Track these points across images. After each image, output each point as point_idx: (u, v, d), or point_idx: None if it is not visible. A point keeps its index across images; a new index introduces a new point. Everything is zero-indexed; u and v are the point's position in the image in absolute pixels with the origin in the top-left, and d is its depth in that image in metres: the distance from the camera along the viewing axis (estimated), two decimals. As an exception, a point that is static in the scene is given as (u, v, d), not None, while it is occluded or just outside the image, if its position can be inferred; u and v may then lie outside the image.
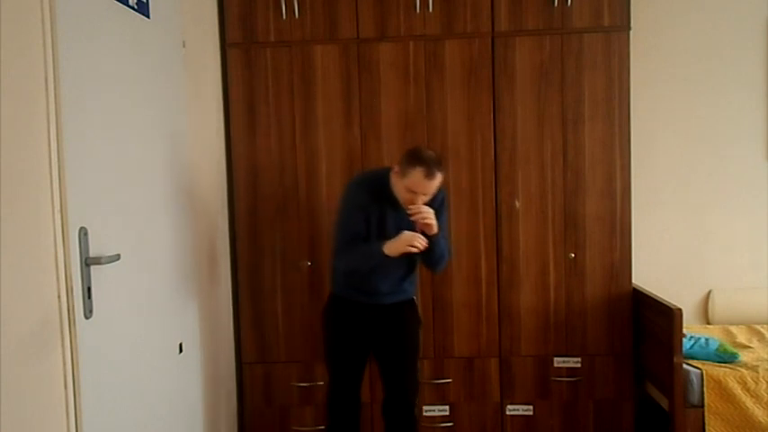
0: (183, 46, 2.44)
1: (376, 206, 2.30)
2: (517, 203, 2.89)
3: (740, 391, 2.59)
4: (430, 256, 2.31)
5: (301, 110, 2.89)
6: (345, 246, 2.32)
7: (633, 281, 2.92)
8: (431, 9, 2.84)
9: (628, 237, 2.89)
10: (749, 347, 2.92)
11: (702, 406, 2.61)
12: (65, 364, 1.60)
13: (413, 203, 2.20)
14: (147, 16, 2.12)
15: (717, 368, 2.65)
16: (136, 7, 2.03)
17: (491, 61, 2.86)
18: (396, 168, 2.26)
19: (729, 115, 3.31)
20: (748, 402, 2.59)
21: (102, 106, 1.82)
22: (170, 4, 2.32)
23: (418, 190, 2.18)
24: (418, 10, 2.84)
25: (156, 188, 2.20)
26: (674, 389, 2.60)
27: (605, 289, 2.91)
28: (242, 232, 2.93)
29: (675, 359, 2.57)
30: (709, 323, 3.35)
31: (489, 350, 2.93)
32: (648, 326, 2.84)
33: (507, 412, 2.95)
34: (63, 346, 1.60)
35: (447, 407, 2.95)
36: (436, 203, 2.27)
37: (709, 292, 3.36)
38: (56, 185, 1.58)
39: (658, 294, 2.82)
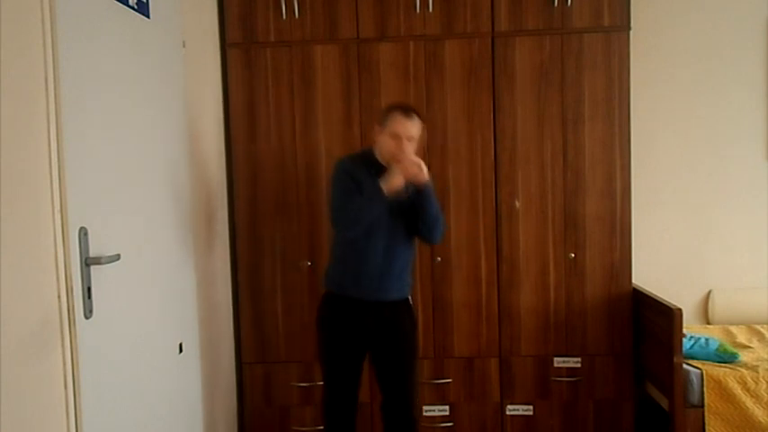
0: (183, 46, 2.44)
1: (365, 174, 2.26)
2: (517, 203, 2.89)
3: (740, 391, 2.59)
4: (426, 214, 2.27)
5: (301, 110, 2.89)
6: (341, 206, 2.25)
7: (633, 281, 2.92)
8: (431, 9, 2.84)
9: (628, 237, 2.89)
10: (749, 347, 2.92)
11: (702, 406, 2.62)
12: (65, 364, 1.60)
13: (400, 150, 2.20)
14: (147, 16, 2.11)
15: (717, 368, 2.65)
16: (136, 7, 2.02)
17: (491, 61, 2.86)
18: (377, 128, 2.30)
19: (729, 115, 3.31)
20: (748, 402, 2.59)
21: (102, 106, 1.82)
22: (170, 4, 2.32)
23: (400, 131, 2.21)
24: (418, 10, 2.84)
25: (156, 188, 2.20)
26: (674, 389, 2.60)
27: (605, 289, 2.91)
28: (242, 232, 2.94)
29: (675, 359, 2.57)
30: (709, 323, 3.35)
31: (489, 350, 2.94)
32: (648, 326, 2.84)
33: (507, 412, 2.95)
34: (63, 346, 1.60)
35: (447, 407, 2.95)
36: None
37: (709, 292, 3.36)
38: (56, 185, 1.58)
39: (658, 294, 2.82)
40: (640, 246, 3.06)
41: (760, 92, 3.31)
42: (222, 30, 2.91)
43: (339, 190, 2.28)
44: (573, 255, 2.89)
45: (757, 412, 2.58)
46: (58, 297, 1.58)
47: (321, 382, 2.83)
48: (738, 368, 2.65)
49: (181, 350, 2.33)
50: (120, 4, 1.93)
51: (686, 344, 2.71)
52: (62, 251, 1.59)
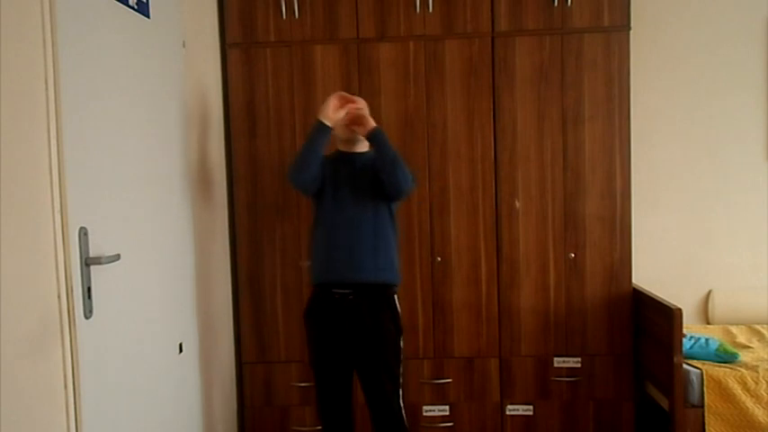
0: (183, 46, 2.44)
1: (330, 163, 2.35)
2: (517, 203, 2.89)
3: (740, 391, 2.59)
4: (381, 159, 2.26)
5: (301, 110, 2.89)
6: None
7: (633, 281, 2.92)
8: (431, 9, 2.84)
9: (628, 237, 2.89)
10: (749, 347, 2.92)
11: (702, 406, 2.61)
12: (65, 364, 1.60)
13: (348, 113, 2.28)
14: (147, 16, 2.11)
15: (717, 368, 2.65)
16: (136, 7, 2.02)
17: (491, 61, 2.86)
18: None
19: (729, 115, 3.31)
20: (748, 402, 2.59)
21: (103, 106, 1.82)
22: (170, 4, 2.32)
23: (342, 99, 2.30)
24: (418, 10, 2.84)
25: (156, 188, 2.20)
26: (674, 389, 2.60)
27: (605, 289, 2.91)
28: (242, 232, 2.94)
29: (675, 359, 2.57)
30: (709, 323, 3.35)
31: (489, 350, 2.93)
32: (648, 326, 2.84)
33: (507, 412, 2.95)
34: (63, 346, 1.60)
35: (447, 407, 2.95)
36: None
37: (709, 292, 3.36)
38: (56, 185, 1.58)
39: (658, 294, 2.82)
40: (640, 246, 3.06)
41: (760, 92, 3.31)
42: (222, 30, 2.92)
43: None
44: (573, 255, 2.89)
45: (757, 412, 2.58)
46: (58, 297, 1.58)
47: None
48: (738, 368, 2.65)
49: (181, 350, 2.33)
50: (120, 4, 1.93)
51: (686, 344, 2.71)
52: (62, 251, 1.59)
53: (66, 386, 1.60)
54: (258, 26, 2.87)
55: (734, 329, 3.16)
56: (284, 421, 2.97)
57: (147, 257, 2.08)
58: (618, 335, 2.92)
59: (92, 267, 1.69)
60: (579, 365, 2.92)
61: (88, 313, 1.67)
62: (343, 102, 2.30)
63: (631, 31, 2.85)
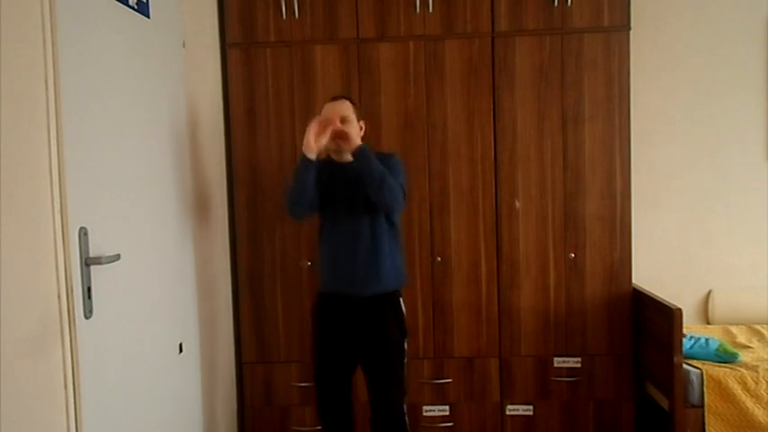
0: (183, 46, 2.44)
1: (323, 171, 2.33)
2: (517, 203, 2.89)
3: (740, 391, 2.59)
4: (368, 177, 2.20)
5: (301, 110, 2.89)
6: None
7: (633, 281, 2.92)
8: (431, 9, 2.84)
9: (628, 237, 2.89)
10: (749, 347, 2.92)
11: (702, 406, 2.61)
12: (65, 364, 1.60)
13: (337, 129, 2.24)
14: (147, 16, 2.11)
15: (717, 368, 2.65)
16: (136, 7, 2.03)
17: (491, 61, 2.86)
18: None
19: (729, 115, 3.31)
20: (748, 402, 2.58)
21: (103, 106, 1.82)
22: (170, 4, 2.32)
23: (328, 113, 2.28)
24: (418, 10, 2.84)
25: (156, 188, 2.20)
26: (674, 389, 2.60)
27: (605, 289, 2.91)
28: (242, 232, 2.94)
29: (675, 359, 2.57)
30: (709, 323, 3.35)
31: (489, 350, 2.93)
32: (648, 326, 2.84)
33: (507, 412, 2.95)
34: (63, 346, 1.60)
35: (447, 407, 2.95)
36: (386, 163, 2.26)
37: (709, 292, 3.36)
38: (56, 185, 1.58)
39: (658, 294, 2.82)
40: (640, 246, 3.06)
41: (760, 92, 3.31)
42: (222, 30, 2.91)
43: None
44: (573, 255, 2.89)
45: (757, 412, 2.58)
46: (58, 297, 1.58)
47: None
48: (738, 368, 2.65)
49: (181, 350, 2.33)
50: (120, 4, 1.93)
51: (686, 344, 2.71)
52: (62, 251, 1.59)
53: (66, 386, 1.60)
54: (258, 26, 2.87)
55: (734, 329, 3.16)
56: (284, 421, 2.97)
57: (147, 257, 2.08)
58: (618, 335, 2.92)
59: (92, 267, 1.69)
60: (579, 365, 2.92)
61: (88, 313, 1.67)
62: (323, 126, 2.24)
63: (631, 31, 2.85)
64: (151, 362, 2.09)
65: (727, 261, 3.35)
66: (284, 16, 2.86)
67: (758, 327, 3.18)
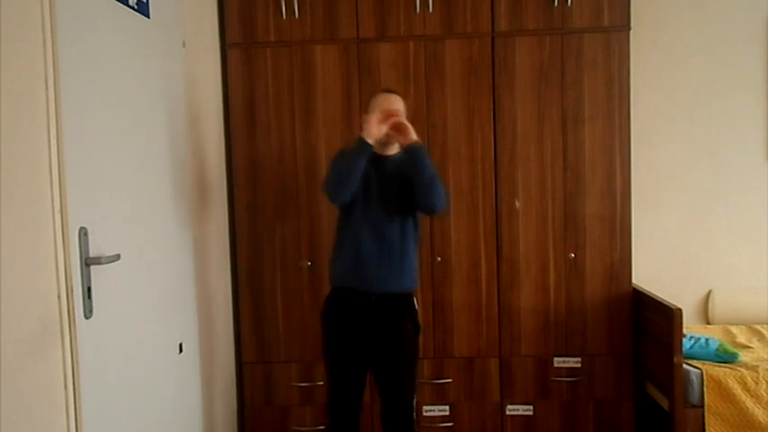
0: (183, 46, 2.44)
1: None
2: (517, 203, 2.89)
3: (740, 391, 2.59)
4: (419, 176, 2.21)
5: (301, 110, 2.89)
6: (329, 172, 2.28)
7: (633, 281, 2.92)
8: (431, 9, 2.84)
9: (628, 237, 2.89)
10: (749, 347, 2.92)
11: (702, 406, 2.61)
12: (65, 364, 1.60)
13: (397, 121, 2.24)
14: (147, 16, 2.11)
15: (717, 368, 2.65)
16: (136, 7, 2.03)
17: (491, 61, 2.86)
18: (363, 117, 2.33)
19: (729, 115, 3.31)
20: (748, 402, 2.59)
21: (103, 106, 1.82)
22: (170, 4, 2.32)
23: (384, 104, 2.28)
24: (418, 10, 2.84)
25: (157, 188, 2.20)
26: (674, 389, 2.60)
27: (605, 289, 2.91)
28: (242, 232, 2.94)
29: (675, 359, 2.57)
30: (709, 323, 3.35)
31: (489, 350, 2.94)
32: (648, 326, 2.84)
33: (507, 412, 2.95)
34: (63, 346, 1.60)
35: (447, 407, 2.95)
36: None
37: (709, 292, 3.36)
38: (56, 185, 1.58)
39: (658, 294, 2.82)
40: (640, 246, 3.06)
41: (760, 92, 3.31)
42: (222, 30, 2.92)
43: (331, 165, 2.32)
44: (573, 255, 2.89)
45: (757, 412, 2.58)
46: (58, 297, 1.58)
47: (321, 383, 2.86)
48: (738, 368, 2.65)
49: (181, 350, 2.33)
50: (120, 4, 1.93)
51: (686, 344, 2.71)
52: (62, 251, 1.59)
53: (66, 386, 1.60)
54: (258, 26, 2.87)
55: (734, 329, 3.16)
56: (284, 421, 2.97)
57: (147, 257, 2.08)
58: (618, 335, 2.92)
59: (92, 267, 1.69)
60: (579, 365, 2.92)
61: (88, 313, 1.67)
62: (387, 116, 2.24)
63: (631, 31, 2.85)
64: (151, 362, 2.09)
65: (727, 261, 3.35)
66: (284, 16, 2.86)
67: (758, 327, 3.18)
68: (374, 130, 2.20)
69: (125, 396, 1.90)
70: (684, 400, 2.61)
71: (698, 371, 2.64)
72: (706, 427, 2.61)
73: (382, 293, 2.30)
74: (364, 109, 2.84)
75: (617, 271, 2.90)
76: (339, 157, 2.31)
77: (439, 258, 2.90)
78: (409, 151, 2.24)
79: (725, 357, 2.72)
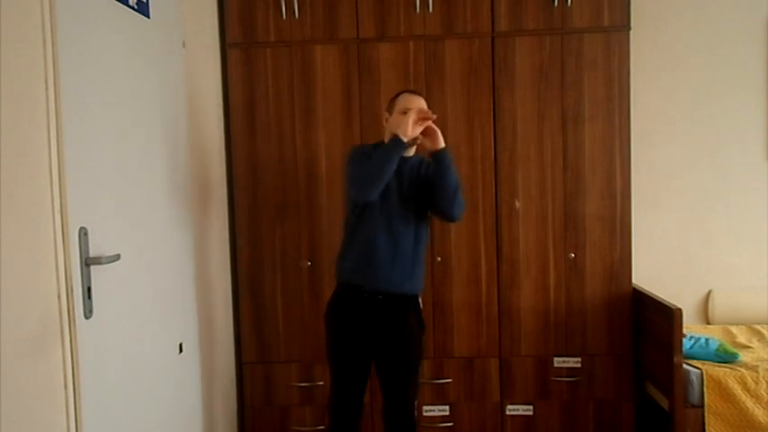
0: (183, 46, 2.44)
1: None
2: (517, 203, 2.89)
3: (740, 391, 2.59)
4: (445, 184, 2.21)
5: (301, 110, 2.89)
6: (359, 170, 2.21)
7: (633, 281, 2.92)
8: (431, 9, 2.84)
9: (628, 237, 2.89)
10: (749, 347, 2.92)
11: (702, 406, 2.61)
12: (65, 364, 1.60)
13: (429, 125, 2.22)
14: (147, 16, 2.12)
15: (717, 368, 2.65)
16: (136, 7, 2.03)
17: (491, 61, 2.86)
18: (385, 116, 2.34)
19: (729, 115, 3.31)
20: (748, 402, 2.59)
21: (103, 106, 1.83)
22: (170, 4, 2.32)
23: (409, 105, 2.26)
24: (418, 10, 2.84)
25: (157, 188, 2.20)
26: (674, 389, 2.60)
27: (605, 289, 2.91)
28: (242, 232, 2.94)
29: (675, 359, 2.57)
30: (709, 323, 3.35)
31: (489, 350, 2.94)
32: (648, 326, 2.84)
33: (507, 412, 2.95)
34: (63, 346, 1.60)
35: (447, 407, 2.95)
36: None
37: (709, 292, 3.36)
38: (56, 185, 1.58)
39: (658, 294, 2.82)
40: (640, 246, 3.06)
41: (760, 92, 3.31)
42: (222, 30, 2.91)
43: (357, 163, 2.26)
44: (573, 255, 2.89)
45: (757, 412, 2.58)
46: (58, 297, 1.58)
47: (321, 383, 2.87)
48: (738, 368, 2.65)
49: (181, 350, 2.33)
50: (120, 4, 1.93)
51: (686, 344, 2.71)
52: (62, 251, 1.59)
53: (66, 386, 1.60)
54: (258, 26, 2.87)
55: (734, 329, 3.16)
56: (284, 421, 2.97)
57: (147, 257, 2.08)
58: (618, 335, 2.92)
59: (92, 267, 1.69)
60: (579, 365, 2.92)
61: (88, 313, 1.67)
62: (422, 117, 2.22)
63: (631, 31, 2.85)
64: (151, 362, 2.09)
65: (727, 261, 3.35)
66: (284, 16, 2.86)
67: (758, 327, 3.18)
68: (410, 130, 2.18)
69: (125, 396, 1.90)
70: (684, 400, 2.61)
71: (698, 371, 2.64)
72: (706, 427, 2.60)
73: (390, 293, 2.29)
74: (364, 109, 2.86)
75: (617, 271, 2.90)
76: (363, 155, 2.27)
77: (439, 258, 2.90)
78: (437, 157, 2.24)
79: (725, 357, 2.72)
